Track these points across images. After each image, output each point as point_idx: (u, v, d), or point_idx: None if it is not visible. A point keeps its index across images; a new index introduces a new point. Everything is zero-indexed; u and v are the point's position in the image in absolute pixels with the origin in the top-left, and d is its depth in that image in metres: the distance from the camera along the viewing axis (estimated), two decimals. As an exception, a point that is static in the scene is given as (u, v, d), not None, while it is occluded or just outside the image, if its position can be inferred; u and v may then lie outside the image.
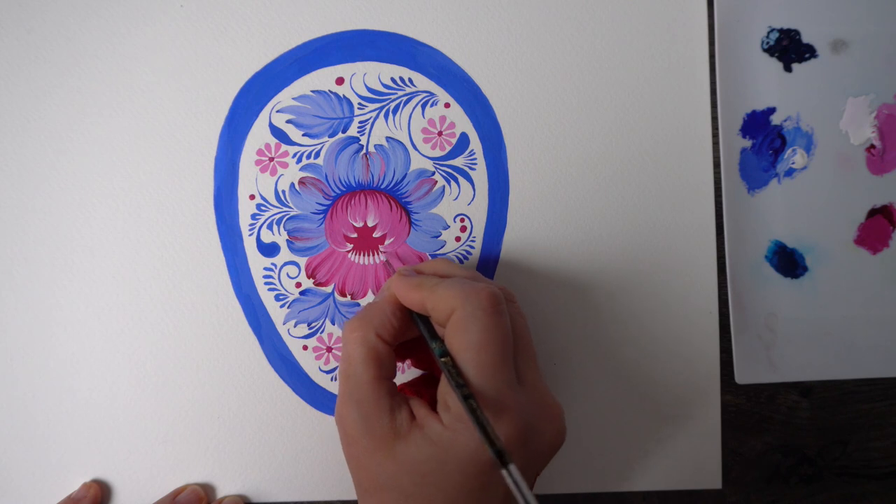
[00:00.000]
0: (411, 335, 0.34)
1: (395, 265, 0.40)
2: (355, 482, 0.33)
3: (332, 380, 0.41)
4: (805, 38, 0.41)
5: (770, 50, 0.41)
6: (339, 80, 0.40)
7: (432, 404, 0.32)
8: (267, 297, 0.41)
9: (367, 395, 0.31)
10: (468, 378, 0.30)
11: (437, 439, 0.30)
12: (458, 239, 0.41)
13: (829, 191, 0.41)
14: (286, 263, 0.41)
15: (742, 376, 0.40)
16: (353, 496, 0.40)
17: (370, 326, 0.32)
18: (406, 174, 0.41)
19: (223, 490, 0.41)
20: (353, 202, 0.41)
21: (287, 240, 0.41)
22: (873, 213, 0.42)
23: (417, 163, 0.41)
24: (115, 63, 0.40)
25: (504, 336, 0.30)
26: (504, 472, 0.26)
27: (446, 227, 0.41)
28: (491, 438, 0.27)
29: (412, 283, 0.32)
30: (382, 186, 0.41)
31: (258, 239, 0.41)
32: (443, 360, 0.30)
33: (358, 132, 0.40)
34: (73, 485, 0.40)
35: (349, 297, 0.41)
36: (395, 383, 0.33)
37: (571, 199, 0.41)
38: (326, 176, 0.41)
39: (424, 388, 0.37)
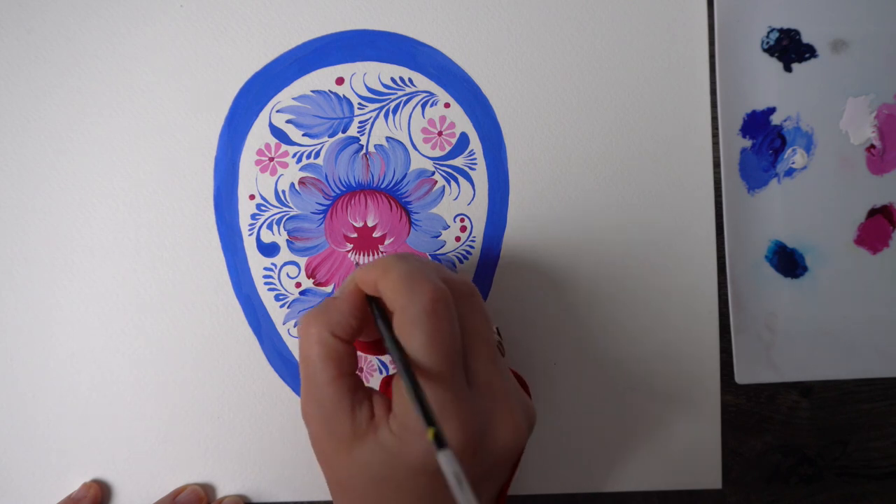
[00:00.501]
0: (373, 333, 0.33)
1: None
2: (325, 478, 0.33)
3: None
4: (805, 38, 0.41)
5: (770, 50, 0.41)
6: (339, 80, 0.40)
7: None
8: (267, 297, 0.41)
9: (327, 395, 0.30)
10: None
11: (386, 445, 0.29)
12: (458, 239, 0.41)
13: (829, 191, 0.41)
14: (286, 263, 0.41)
15: (742, 376, 0.40)
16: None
17: (326, 324, 0.31)
18: (406, 174, 0.41)
19: (223, 490, 0.41)
20: (352, 202, 0.41)
21: (287, 240, 0.41)
22: (873, 213, 0.42)
23: (417, 163, 0.41)
24: (115, 63, 0.40)
25: (446, 341, 0.29)
26: (440, 456, 0.24)
27: (446, 226, 0.41)
28: (432, 421, 0.26)
29: (368, 265, 0.31)
30: (382, 186, 0.41)
31: (258, 239, 0.41)
32: (396, 355, 0.29)
33: (358, 132, 0.40)
34: (73, 485, 0.40)
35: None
36: (358, 377, 0.32)
37: (571, 199, 0.41)
38: (326, 176, 0.41)
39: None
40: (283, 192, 0.40)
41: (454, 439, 0.28)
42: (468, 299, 0.31)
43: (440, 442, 0.24)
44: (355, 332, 0.31)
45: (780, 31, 0.41)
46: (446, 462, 0.24)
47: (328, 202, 0.41)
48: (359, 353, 0.33)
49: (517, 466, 0.34)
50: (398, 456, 0.29)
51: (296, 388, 0.41)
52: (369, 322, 0.32)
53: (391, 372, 0.40)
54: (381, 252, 0.41)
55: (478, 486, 0.30)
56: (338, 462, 0.31)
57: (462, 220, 0.41)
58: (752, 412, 0.42)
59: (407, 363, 0.28)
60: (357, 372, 0.32)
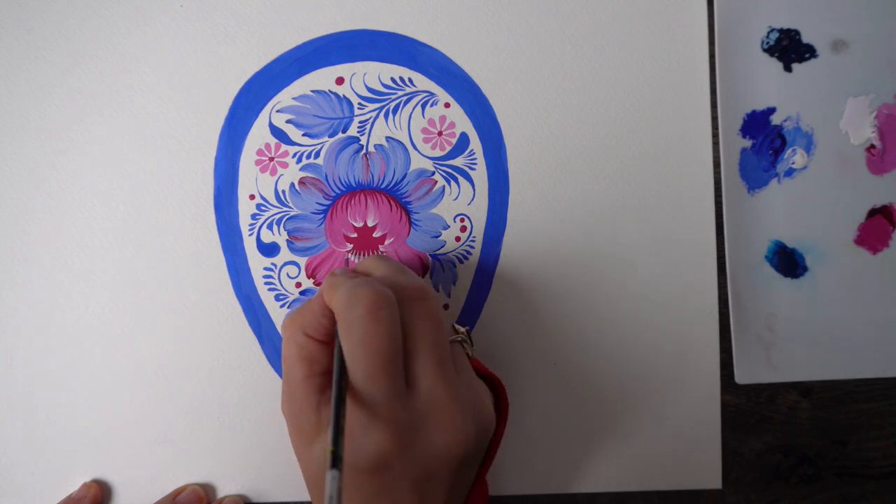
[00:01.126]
0: None
1: (351, 266, 0.40)
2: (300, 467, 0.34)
3: (332, 380, 0.41)
4: (805, 38, 0.41)
5: (770, 50, 0.41)
6: (339, 80, 0.40)
7: None
8: (267, 297, 0.41)
9: (298, 392, 0.32)
10: (352, 382, 0.30)
11: None
12: (457, 239, 0.41)
13: (829, 191, 0.41)
14: (286, 263, 0.41)
15: (742, 376, 0.40)
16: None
17: (299, 325, 0.32)
18: (406, 174, 0.41)
19: (223, 490, 0.41)
20: (353, 202, 0.41)
21: (287, 240, 0.41)
22: (873, 213, 0.42)
23: (417, 163, 0.41)
24: (115, 63, 0.40)
25: (382, 343, 0.29)
26: (327, 473, 0.26)
27: (446, 226, 0.41)
28: (334, 436, 0.27)
29: (326, 283, 0.32)
30: (382, 186, 0.41)
31: (258, 239, 0.41)
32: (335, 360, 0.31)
33: (358, 132, 0.40)
34: (73, 485, 0.40)
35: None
36: (328, 378, 0.33)
37: (571, 199, 0.41)
38: (326, 176, 0.41)
39: None
40: (284, 192, 0.40)
41: (378, 441, 0.29)
42: (416, 303, 0.32)
43: (333, 460, 0.26)
44: (328, 332, 0.32)
45: (780, 31, 0.41)
46: (329, 481, 0.25)
47: (328, 202, 0.41)
48: None
49: (486, 467, 0.35)
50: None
51: (296, 388, 0.41)
52: None
53: None
54: (381, 252, 0.41)
55: (418, 487, 0.31)
56: (304, 456, 0.32)
57: (462, 220, 0.41)
58: (752, 412, 0.42)
59: (339, 376, 0.29)
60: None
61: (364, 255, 0.41)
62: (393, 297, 0.31)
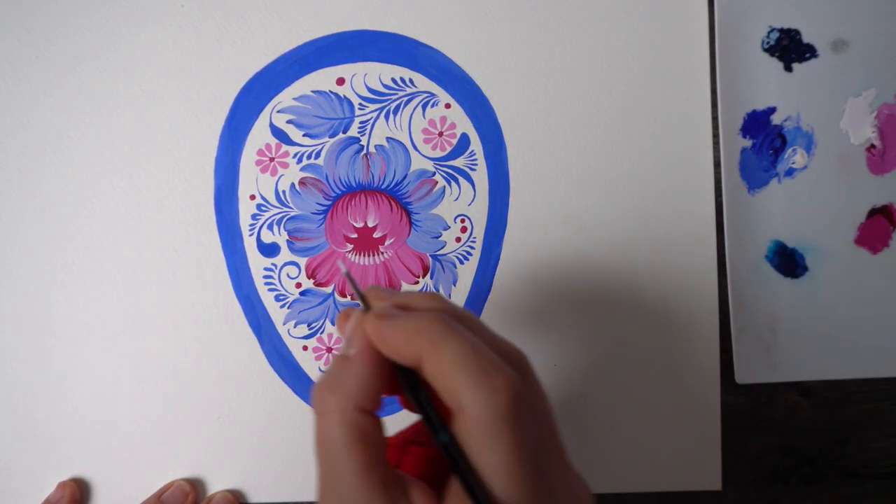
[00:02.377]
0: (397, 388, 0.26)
1: (357, 280, 0.37)
2: None
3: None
4: (805, 38, 0.41)
5: (770, 50, 0.41)
6: (340, 81, 0.40)
7: (429, 468, 0.26)
8: (267, 298, 0.41)
9: (355, 492, 0.23)
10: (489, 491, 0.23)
11: None
12: (458, 240, 0.41)
13: (829, 191, 0.41)
14: (286, 264, 0.41)
15: (742, 376, 0.40)
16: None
17: (348, 397, 0.24)
18: (406, 174, 0.41)
19: (218, 488, 0.41)
20: (353, 202, 0.41)
21: (287, 240, 0.41)
22: (873, 213, 0.42)
23: (418, 163, 0.41)
24: (115, 63, 0.40)
25: (529, 450, 0.23)
26: None
27: (447, 227, 0.41)
28: None
29: (401, 330, 0.24)
30: (383, 187, 0.41)
31: (258, 239, 0.41)
32: (463, 477, 0.23)
33: (358, 132, 0.40)
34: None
35: (349, 297, 0.41)
36: (388, 465, 0.25)
37: (571, 200, 0.41)
38: (327, 176, 0.41)
39: (419, 441, 0.28)
40: (284, 192, 0.40)
41: None
42: (528, 378, 0.25)
43: None
44: (380, 401, 0.25)
45: (781, 30, 0.41)
46: None
47: (328, 202, 0.41)
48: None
49: None
50: None
51: (295, 389, 0.40)
52: (395, 381, 0.26)
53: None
54: (381, 253, 0.41)
55: None
56: None
57: (462, 221, 0.41)
58: (752, 412, 0.42)
59: (478, 488, 0.22)
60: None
61: (364, 255, 0.41)
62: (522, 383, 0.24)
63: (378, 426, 0.25)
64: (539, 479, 0.23)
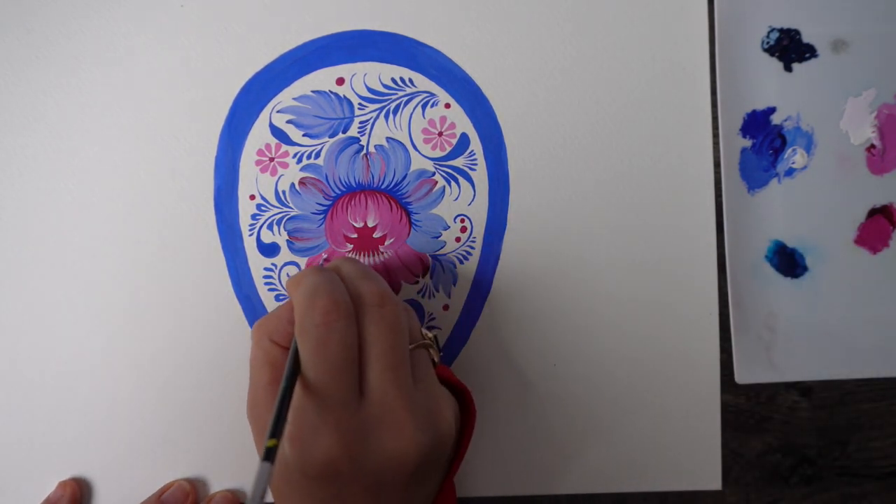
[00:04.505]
0: None
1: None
2: None
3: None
4: (805, 38, 0.41)
5: (770, 50, 0.41)
6: (340, 81, 0.40)
7: None
8: (267, 298, 0.41)
9: (262, 397, 0.33)
10: (304, 385, 0.30)
11: (284, 450, 0.30)
12: (458, 239, 0.41)
13: (829, 191, 0.41)
14: (286, 263, 0.41)
15: (742, 376, 0.40)
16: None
17: (266, 331, 0.33)
18: (406, 174, 0.41)
19: (218, 487, 0.41)
20: (353, 202, 0.41)
21: (287, 240, 0.41)
22: (873, 212, 0.42)
23: (418, 163, 0.41)
24: (115, 63, 0.40)
25: (334, 352, 0.30)
26: (260, 464, 0.26)
27: (446, 227, 0.41)
28: (272, 429, 0.27)
29: (291, 279, 0.33)
30: (383, 187, 0.41)
31: (258, 239, 0.41)
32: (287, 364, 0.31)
33: (358, 132, 0.40)
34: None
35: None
36: None
37: (571, 200, 0.41)
38: (327, 176, 0.41)
39: None
40: (284, 192, 0.41)
41: (327, 446, 0.29)
42: (373, 309, 0.32)
43: (267, 455, 0.26)
44: (292, 338, 0.32)
45: (781, 31, 0.41)
46: (259, 472, 0.26)
47: (328, 202, 0.41)
48: None
49: (451, 475, 0.34)
50: (291, 463, 0.30)
51: (296, 389, 0.41)
52: None
53: None
54: (382, 253, 0.41)
55: (371, 495, 0.31)
56: None
57: (462, 221, 0.41)
58: (752, 412, 0.42)
59: (290, 373, 0.30)
60: None
61: (364, 255, 0.41)
62: (350, 306, 0.31)
63: (285, 355, 0.32)
64: (335, 382, 0.30)
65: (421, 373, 0.33)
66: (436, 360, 0.35)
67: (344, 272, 0.34)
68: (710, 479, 0.41)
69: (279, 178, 0.40)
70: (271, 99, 0.40)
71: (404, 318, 0.33)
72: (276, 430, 0.27)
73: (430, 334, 0.35)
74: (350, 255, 0.41)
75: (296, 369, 0.30)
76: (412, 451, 0.31)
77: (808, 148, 0.41)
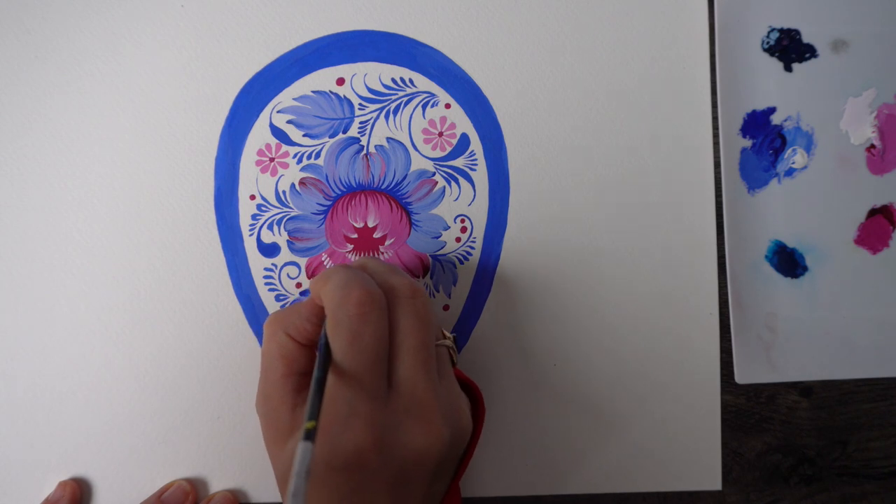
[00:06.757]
0: None
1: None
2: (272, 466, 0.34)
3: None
4: (805, 38, 0.41)
5: (770, 50, 0.41)
6: (340, 81, 0.40)
7: None
8: (267, 298, 0.41)
9: (275, 390, 0.33)
10: (335, 376, 0.30)
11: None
12: (458, 240, 0.41)
13: (829, 191, 0.42)
14: (286, 264, 0.41)
15: (742, 376, 0.40)
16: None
17: (281, 325, 0.33)
18: (406, 175, 0.41)
19: (218, 488, 0.41)
20: (353, 203, 0.41)
21: (287, 240, 0.41)
22: (873, 213, 0.42)
23: (418, 163, 0.41)
24: (115, 63, 0.40)
25: (368, 344, 0.30)
26: (300, 444, 0.26)
27: (447, 227, 0.41)
28: (310, 412, 0.27)
29: (319, 276, 0.33)
30: (383, 187, 0.41)
31: (258, 239, 0.41)
32: (319, 354, 0.31)
33: (358, 133, 0.40)
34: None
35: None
36: (303, 377, 0.33)
37: (571, 200, 0.41)
38: (327, 176, 0.41)
39: None
40: (284, 192, 0.40)
41: (355, 439, 0.29)
42: (405, 301, 0.32)
43: (307, 435, 0.26)
44: (310, 336, 0.33)
45: (781, 31, 0.41)
46: (301, 452, 0.25)
47: (329, 203, 0.41)
48: None
49: (460, 475, 0.35)
50: (317, 454, 0.30)
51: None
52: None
53: None
54: (382, 253, 0.41)
55: (393, 488, 0.31)
56: (276, 455, 0.33)
57: (462, 221, 0.41)
58: (752, 412, 0.42)
59: (323, 362, 0.30)
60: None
61: (364, 255, 0.41)
62: (382, 298, 0.31)
63: (302, 351, 0.33)
64: (368, 374, 0.30)
65: (442, 371, 0.33)
66: (455, 361, 0.36)
67: (371, 268, 0.34)
68: (711, 479, 0.41)
69: (279, 178, 0.40)
70: (271, 99, 0.40)
71: (433, 311, 0.33)
72: (313, 412, 0.27)
73: (450, 335, 0.35)
74: (350, 255, 0.41)
75: (328, 357, 0.30)
76: (437, 445, 0.31)
77: (808, 148, 0.41)
